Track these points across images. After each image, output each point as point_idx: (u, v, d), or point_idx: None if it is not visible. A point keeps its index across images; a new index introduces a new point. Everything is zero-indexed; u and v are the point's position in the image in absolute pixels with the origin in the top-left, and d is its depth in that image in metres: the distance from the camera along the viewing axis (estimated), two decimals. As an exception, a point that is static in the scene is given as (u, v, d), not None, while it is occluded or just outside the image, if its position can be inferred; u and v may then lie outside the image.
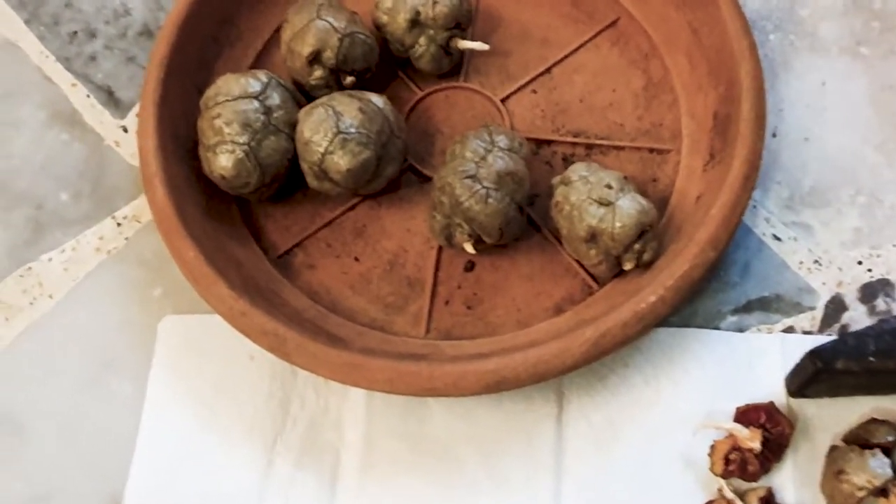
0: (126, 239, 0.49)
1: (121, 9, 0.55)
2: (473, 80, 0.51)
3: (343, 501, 0.42)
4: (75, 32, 0.54)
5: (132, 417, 0.44)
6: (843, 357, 0.39)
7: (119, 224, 0.49)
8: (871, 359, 0.39)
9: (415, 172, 0.49)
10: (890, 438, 0.40)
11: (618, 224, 0.42)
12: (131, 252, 0.48)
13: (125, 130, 0.51)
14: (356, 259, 0.47)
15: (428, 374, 0.40)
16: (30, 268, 0.48)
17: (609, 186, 0.43)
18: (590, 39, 0.51)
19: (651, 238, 0.43)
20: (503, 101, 0.50)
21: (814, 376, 0.40)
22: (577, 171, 0.44)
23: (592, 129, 0.49)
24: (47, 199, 0.50)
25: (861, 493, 0.39)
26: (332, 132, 0.43)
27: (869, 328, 0.40)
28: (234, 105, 0.44)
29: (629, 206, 0.42)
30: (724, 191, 0.43)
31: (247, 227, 0.48)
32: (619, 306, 0.41)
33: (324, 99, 0.45)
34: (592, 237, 0.43)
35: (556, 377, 0.41)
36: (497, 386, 0.40)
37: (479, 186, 0.42)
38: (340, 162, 0.43)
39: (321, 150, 0.43)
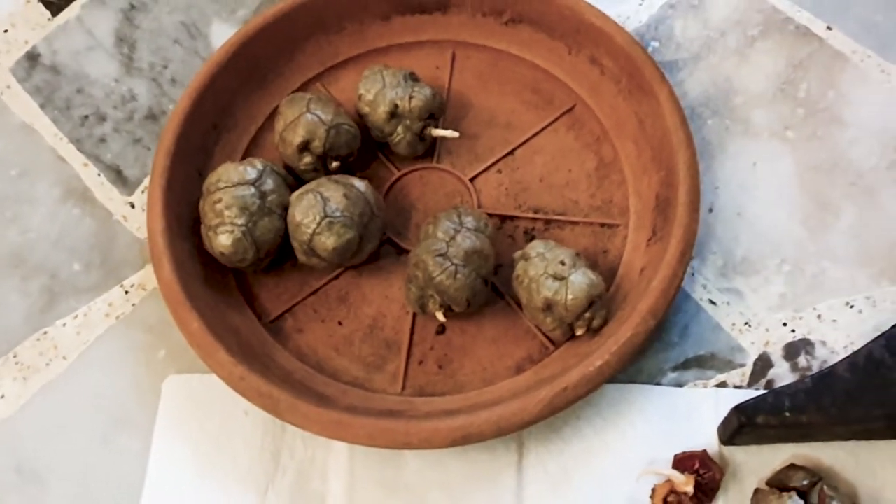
0: (133, 305, 0.54)
1: (128, 95, 0.61)
2: (445, 161, 0.57)
3: (329, 543, 0.48)
4: (86, 116, 0.60)
5: (140, 469, 0.49)
6: (763, 413, 0.46)
7: (127, 292, 0.55)
8: (787, 414, 0.45)
9: (393, 245, 0.55)
10: (805, 483, 0.46)
11: (570, 297, 0.48)
12: (137, 317, 0.54)
13: (132, 206, 0.57)
14: (340, 323, 0.53)
15: (404, 430, 0.46)
16: (45, 332, 0.54)
17: (562, 263, 0.49)
18: (549, 124, 0.58)
19: (600, 307, 0.49)
20: (471, 180, 0.56)
21: (739, 429, 0.46)
22: (536, 248, 0.50)
23: (551, 206, 0.56)
24: (61, 269, 0.55)
25: (779, 532, 0.45)
26: (319, 216, 0.49)
27: (786, 387, 0.46)
28: (233, 191, 0.50)
29: (580, 281, 0.48)
30: (664, 266, 0.49)
31: (242, 296, 0.53)
32: (571, 368, 0.47)
33: (312, 185, 0.51)
34: (548, 307, 0.49)
35: (515, 432, 0.46)
36: (464, 440, 0.46)
37: (449, 263, 0.48)
38: (327, 242, 0.49)
39: (310, 231, 0.49)
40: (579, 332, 0.49)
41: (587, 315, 0.49)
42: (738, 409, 0.46)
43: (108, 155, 0.59)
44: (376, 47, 0.60)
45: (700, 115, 0.59)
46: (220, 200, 0.50)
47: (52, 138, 0.59)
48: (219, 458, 0.50)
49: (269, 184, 0.51)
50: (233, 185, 0.50)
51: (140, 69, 0.62)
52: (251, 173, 0.51)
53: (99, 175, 0.58)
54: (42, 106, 0.60)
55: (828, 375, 0.46)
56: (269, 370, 0.49)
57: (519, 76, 0.59)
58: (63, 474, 0.50)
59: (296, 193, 0.51)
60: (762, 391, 0.51)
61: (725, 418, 0.48)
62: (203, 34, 0.63)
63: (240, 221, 0.50)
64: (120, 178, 0.58)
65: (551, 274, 0.49)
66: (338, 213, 0.49)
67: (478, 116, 0.58)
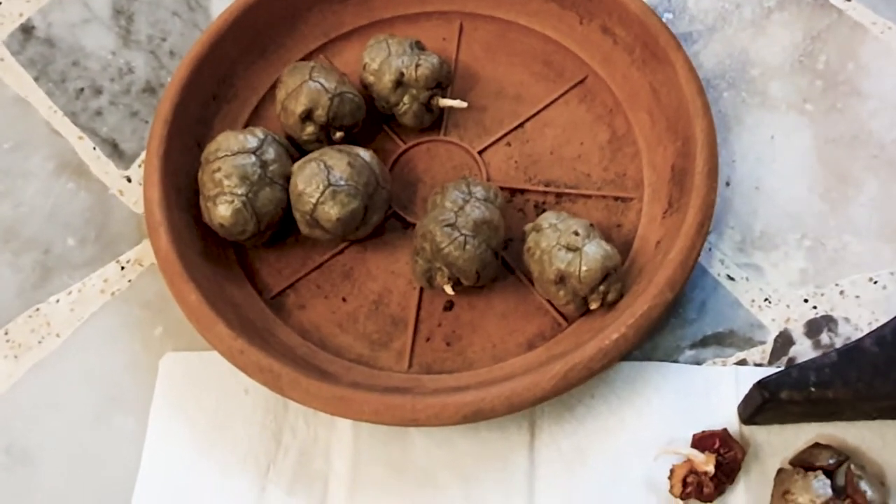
0: (129, 281, 0.52)
1: (125, 67, 0.59)
2: (452, 133, 0.55)
3: (332, 525, 0.45)
4: (82, 89, 0.58)
5: (135, 449, 0.47)
6: (787, 388, 0.44)
7: (123, 267, 0.53)
8: (812, 389, 0.43)
9: (398, 219, 0.53)
10: (831, 462, 0.44)
11: (584, 268, 0.46)
12: (134, 294, 0.52)
13: (129, 180, 0.55)
14: (344, 300, 0.51)
15: (411, 406, 0.44)
16: (38, 308, 0.52)
17: (576, 233, 0.47)
18: (560, 96, 0.56)
19: (615, 280, 0.47)
20: (480, 153, 0.54)
21: (761, 405, 0.44)
22: (548, 219, 0.48)
23: (562, 179, 0.54)
24: (55, 244, 0.53)
25: (805, 512, 0.43)
26: (323, 184, 0.47)
27: (810, 361, 0.44)
28: (233, 160, 0.48)
29: (594, 252, 0.46)
30: (681, 237, 0.47)
31: (242, 271, 0.51)
32: (585, 343, 0.45)
33: (315, 154, 0.49)
34: (561, 279, 0.47)
35: (527, 408, 0.44)
36: (474, 416, 0.44)
37: (457, 234, 0.46)
38: (331, 212, 0.47)
39: (313, 200, 0.47)
40: (593, 305, 0.47)
41: (601, 288, 0.47)
42: (761, 385, 0.44)
43: (104, 128, 0.57)
44: (382, 18, 0.58)
45: (716, 88, 0.57)
46: (219, 169, 0.48)
47: (46, 111, 0.57)
48: (218, 437, 0.48)
49: (270, 153, 0.49)
50: (232, 154, 0.48)
51: (138, 42, 0.60)
52: (252, 142, 0.49)
53: (94, 149, 0.56)
54: (36, 79, 0.59)
55: (854, 349, 0.44)
56: (269, 345, 0.47)
57: (528, 47, 0.58)
58: (55, 454, 0.48)
59: (298, 163, 0.49)
60: (782, 369, 0.49)
61: (747, 395, 0.46)
62: (202, 6, 0.61)
63: (240, 191, 0.48)
64: (116, 151, 0.56)
65: (564, 245, 0.47)
66: (342, 182, 0.47)
67: (486, 89, 0.57)
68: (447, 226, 0.47)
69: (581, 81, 0.56)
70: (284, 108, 0.51)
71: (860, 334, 0.49)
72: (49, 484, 0.47)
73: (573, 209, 0.53)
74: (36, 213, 0.54)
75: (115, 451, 0.48)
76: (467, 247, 0.46)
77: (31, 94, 0.58)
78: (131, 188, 0.55)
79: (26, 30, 0.60)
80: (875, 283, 0.51)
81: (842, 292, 0.51)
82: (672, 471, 0.45)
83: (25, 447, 0.48)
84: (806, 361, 0.45)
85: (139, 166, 0.56)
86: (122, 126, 0.57)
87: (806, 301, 0.51)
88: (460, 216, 0.47)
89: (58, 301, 0.52)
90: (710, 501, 0.45)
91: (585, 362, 0.44)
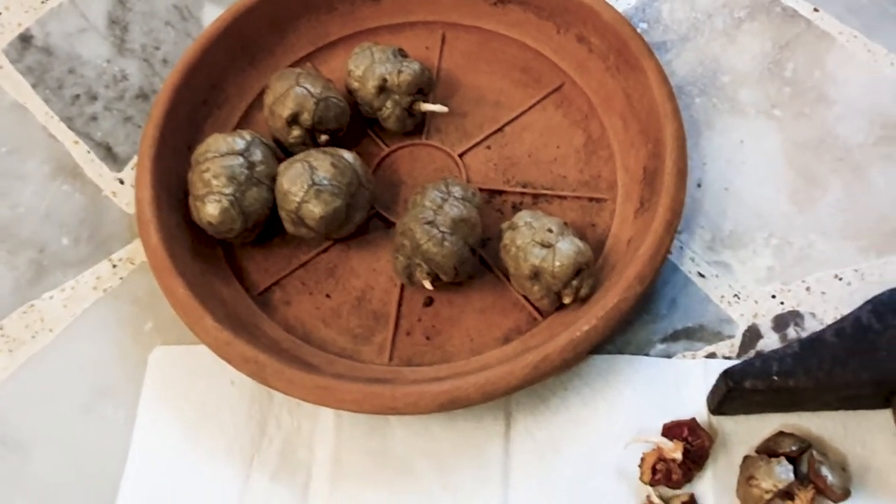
0: (121, 279, 0.54)
1: (119, 75, 0.61)
2: (434, 137, 0.57)
3: (315, 512, 0.47)
4: (78, 95, 0.60)
5: (125, 438, 0.49)
6: (751, 377, 0.45)
7: (114, 266, 0.55)
8: (775, 378, 0.45)
9: (381, 219, 0.55)
10: (794, 448, 0.46)
11: (557, 263, 0.48)
12: (125, 291, 0.54)
13: (121, 182, 0.57)
14: (328, 296, 0.53)
15: (391, 394, 0.45)
16: (32, 305, 0.54)
17: (550, 230, 0.49)
18: (537, 102, 0.58)
19: (587, 276, 0.49)
20: (460, 156, 0.57)
21: (727, 394, 0.46)
22: (523, 217, 0.50)
23: (539, 181, 0.56)
24: (49, 243, 0.55)
25: (768, 496, 0.44)
26: (307, 184, 0.49)
27: (773, 352, 0.46)
28: (221, 161, 0.50)
29: (567, 248, 0.48)
30: (650, 234, 0.49)
31: (230, 268, 0.53)
32: (558, 335, 0.47)
33: (301, 155, 0.51)
34: (536, 275, 0.49)
35: (501, 397, 0.46)
36: (451, 404, 0.45)
37: (436, 231, 0.48)
38: (315, 210, 0.49)
39: (297, 199, 0.49)
40: (567, 300, 0.49)
41: (574, 283, 0.48)
42: (727, 374, 0.46)
43: (98, 133, 0.59)
44: (366, 28, 0.60)
45: (688, 94, 0.59)
46: (208, 170, 0.50)
47: (43, 117, 0.60)
48: (205, 427, 0.49)
49: (257, 154, 0.51)
50: (221, 155, 0.50)
51: (132, 50, 0.62)
52: (240, 143, 0.51)
53: (89, 152, 0.58)
54: (34, 86, 0.61)
55: (815, 340, 0.46)
56: (255, 338, 0.49)
57: (508, 56, 0.60)
58: (47, 444, 0.49)
59: (284, 163, 0.51)
60: (748, 359, 0.51)
61: (714, 385, 0.47)
62: (195, 16, 0.63)
63: (227, 191, 0.50)
64: (110, 154, 0.58)
65: (538, 241, 0.49)
66: (325, 182, 0.49)
67: (467, 95, 0.59)
68: (426, 223, 0.49)
69: (558, 88, 0.59)
70: (272, 112, 0.53)
71: (826, 329, 0.51)
72: (42, 471, 0.49)
73: (550, 210, 0.55)
74: (32, 213, 0.56)
75: (106, 441, 0.49)
76: (445, 243, 0.48)
77: (28, 101, 0.60)
78: (124, 190, 0.57)
79: (25, 39, 0.63)
80: (840, 279, 0.53)
81: (808, 288, 0.53)
82: (642, 459, 0.47)
83: (19, 437, 0.50)
84: (769, 352, 0.46)
85: (132, 169, 0.58)
86: (115, 131, 0.59)
87: (773, 297, 0.53)
88: (439, 214, 0.49)
89: (51, 297, 0.54)
90: (679, 487, 0.46)
91: (557, 353, 0.46)
